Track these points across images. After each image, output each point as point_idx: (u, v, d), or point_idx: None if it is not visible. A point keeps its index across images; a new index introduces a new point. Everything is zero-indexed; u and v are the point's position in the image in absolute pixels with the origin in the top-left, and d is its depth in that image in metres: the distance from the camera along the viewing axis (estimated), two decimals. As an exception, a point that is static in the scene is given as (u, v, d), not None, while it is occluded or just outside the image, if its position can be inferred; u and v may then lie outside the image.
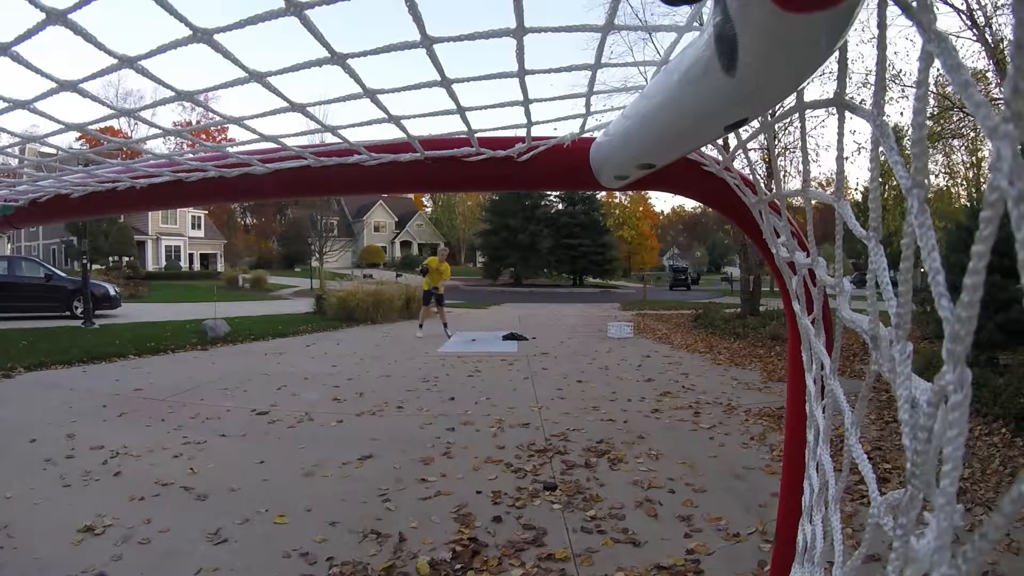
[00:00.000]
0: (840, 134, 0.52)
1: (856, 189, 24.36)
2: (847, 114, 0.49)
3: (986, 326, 5.09)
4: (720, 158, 1.01)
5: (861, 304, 0.49)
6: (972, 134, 14.32)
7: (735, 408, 6.17)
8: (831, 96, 0.48)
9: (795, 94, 0.51)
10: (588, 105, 0.87)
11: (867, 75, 11.70)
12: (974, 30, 10.44)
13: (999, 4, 10.24)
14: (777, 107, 0.56)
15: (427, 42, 0.60)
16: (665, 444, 4.90)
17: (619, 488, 3.96)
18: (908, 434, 0.34)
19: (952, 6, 10.38)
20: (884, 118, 0.41)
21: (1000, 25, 10.37)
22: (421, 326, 11.95)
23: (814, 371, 0.86)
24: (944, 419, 0.27)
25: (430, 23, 0.59)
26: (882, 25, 0.39)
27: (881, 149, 0.41)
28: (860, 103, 0.46)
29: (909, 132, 0.33)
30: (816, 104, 0.53)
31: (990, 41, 10.36)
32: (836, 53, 0.43)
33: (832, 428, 0.70)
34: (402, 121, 0.89)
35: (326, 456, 4.54)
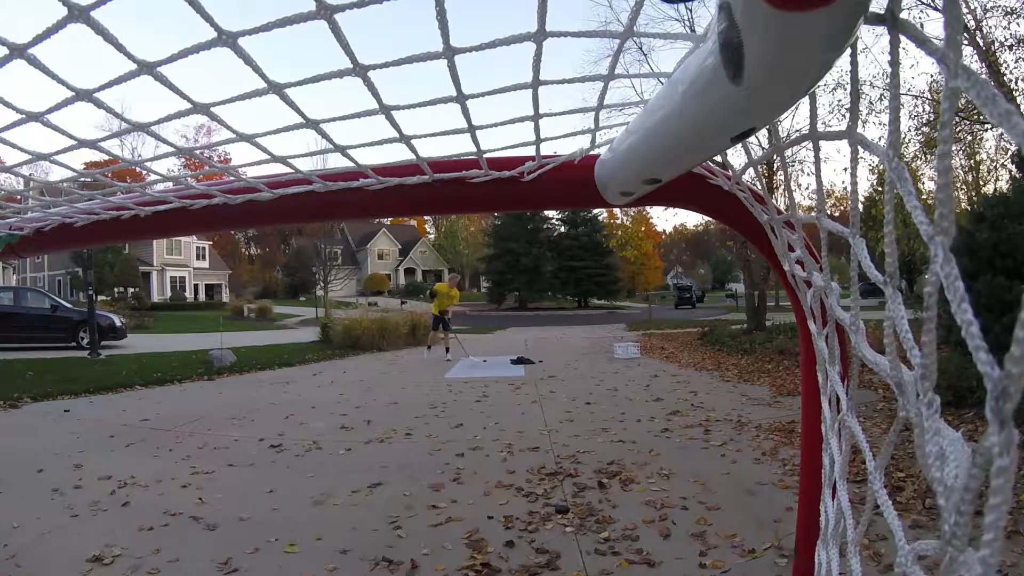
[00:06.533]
0: (853, 169, 0.50)
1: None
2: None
3: (993, 328, 5.02)
4: (731, 173, 1.00)
5: (877, 315, 0.47)
6: (969, 138, 14.45)
7: (745, 424, 6.11)
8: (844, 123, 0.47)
9: (808, 128, 0.50)
10: (597, 120, 0.88)
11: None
12: (965, 33, 10.54)
13: (989, 6, 10.35)
14: (790, 136, 0.55)
15: (449, 52, 0.61)
16: (676, 463, 4.85)
17: (632, 508, 3.91)
18: (943, 494, 0.31)
19: (939, 10, 10.49)
20: (899, 160, 0.39)
21: (991, 28, 10.47)
22: (429, 347, 11.96)
23: (828, 391, 0.83)
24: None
25: (431, 44, 0.59)
26: (895, 63, 0.38)
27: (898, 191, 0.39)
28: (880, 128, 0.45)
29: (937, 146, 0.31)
30: (828, 136, 0.51)
31: (981, 44, 10.45)
32: (848, 85, 0.42)
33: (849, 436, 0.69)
34: (404, 140, 0.89)
35: (335, 484, 4.50)
